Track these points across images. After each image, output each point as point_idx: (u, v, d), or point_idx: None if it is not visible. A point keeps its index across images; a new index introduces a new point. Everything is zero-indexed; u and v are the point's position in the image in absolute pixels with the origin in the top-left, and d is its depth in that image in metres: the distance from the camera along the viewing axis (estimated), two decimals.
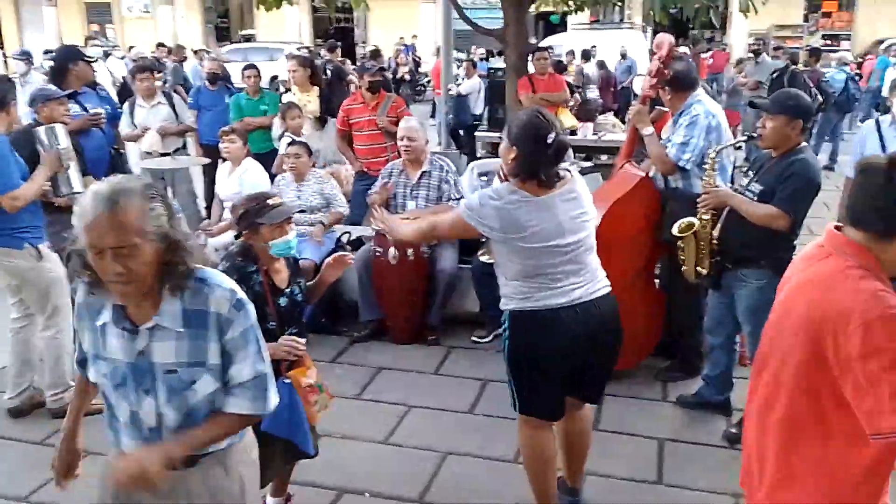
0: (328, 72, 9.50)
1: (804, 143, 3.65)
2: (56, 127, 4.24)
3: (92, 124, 5.41)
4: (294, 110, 6.52)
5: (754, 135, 4.28)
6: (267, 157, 6.28)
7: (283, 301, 2.94)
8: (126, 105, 6.86)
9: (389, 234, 3.39)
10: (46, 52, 13.79)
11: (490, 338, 5.00)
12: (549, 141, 2.71)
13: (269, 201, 2.89)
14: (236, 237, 3.05)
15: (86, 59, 5.75)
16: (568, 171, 2.90)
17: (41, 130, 4.18)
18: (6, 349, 4.19)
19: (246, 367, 1.93)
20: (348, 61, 11.93)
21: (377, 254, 4.92)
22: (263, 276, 2.88)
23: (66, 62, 5.58)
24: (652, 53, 5.03)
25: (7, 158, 3.79)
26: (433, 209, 5.09)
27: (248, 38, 27.01)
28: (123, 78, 11.12)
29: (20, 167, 3.89)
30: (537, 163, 2.74)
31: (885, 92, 10.58)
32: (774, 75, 9.47)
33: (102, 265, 1.72)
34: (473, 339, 5.02)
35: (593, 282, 2.90)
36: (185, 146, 7.05)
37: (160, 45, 16.15)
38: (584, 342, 2.86)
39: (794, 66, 9.45)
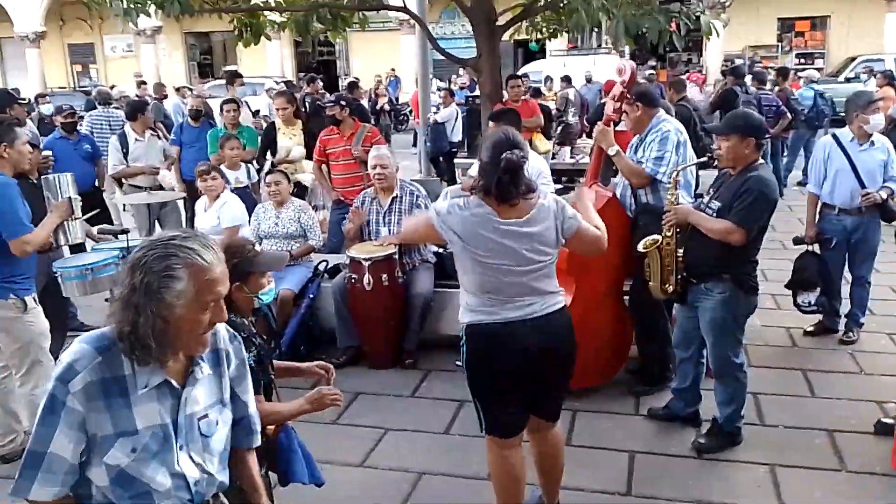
0: (307, 105, 9.68)
1: (760, 161, 3.79)
2: (61, 176, 4.23)
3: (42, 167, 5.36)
4: (232, 141, 6.71)
5: (714, 155, 4.45)
6: (244, 190, 6.40)
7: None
8: (115, 140, 7.01)
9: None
10: None
11: None
12: (500, 158, 2.80)
13: (254, 248, 2.75)
14: None
15: (20, 101, 6.00)
16: (540, 192, 2.96)
17: (49, 179, 4.20)
18: None
19: (249, 399, 2.02)
20: (327, 94, 12.09)
21: (353, 281, 5.00)
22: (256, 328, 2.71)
23: (4, 106, 5.81)
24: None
25: (16, 202, 3.73)
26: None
27: None
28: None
29: (27, 212, 3.82)
30: (490, 179, 2.84)
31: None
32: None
33: (211, 316, 1.73)
34: (457, 363, 5.06)
35: (548, 299, 2.97)
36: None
37: (141, 82, 16.28)
38: (536, 355, 2.94)
39: (733, 86, 9.81)
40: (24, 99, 6.52)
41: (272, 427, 2.74)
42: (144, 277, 1.65)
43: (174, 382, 1.77)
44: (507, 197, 2.84)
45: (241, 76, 10.16)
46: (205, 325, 1.73)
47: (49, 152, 5.65)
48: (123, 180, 7.10)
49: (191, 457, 1.82)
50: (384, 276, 4.95)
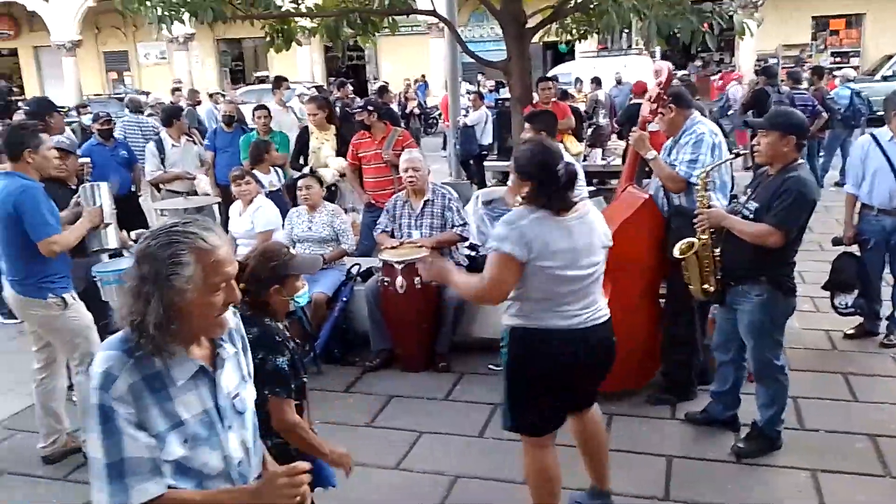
0: (337, 110, 9.73)
1: (800, 161, 3.72)
2: (97, 185, 4.31)
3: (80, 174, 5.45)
4: (272, 145, 6.87)
5: (742, 152, 4.40)
6: (276, 193, 6.46)
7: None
8: (152, 146, 7.14)
9: (439, 280, 3.32)
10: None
11: None
12: (560, 171, 2.87)
13: (289, 251, 2.79)
14: (253, 295, 2.60)
15: (58, 110, 6.15)
16: (581, 197, 3.08)
17: (85, 187, 4.29)
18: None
19: (249, 373, 2.04)
20: (357, 98, 12.15)
21: (385, 284, 5.01)
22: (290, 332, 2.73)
23: (43, 114, 5.90)
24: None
25: (41, 205, 3.82)
26: (438, 236, 5.21)
27: (263, 80, 27.49)
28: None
29: (54, 213, 3.91)
30: (551, 192, 2.90)
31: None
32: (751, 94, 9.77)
33: (223, 297, 1.75)
34: (490, 366, 5.04)
35: (595, 310, 3.04)
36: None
37: (175, 88, 16.50)
38: (577, 364, 3.01)
39: (761, 85, 9.70)
40: (63, 107, 6.71)
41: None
42: (152, 267, 1.68)
43: (207, 367, 1.81)
44: (567, 204, 2.93)
45: (286, 80, 10.24)
46: (219, 307, 1.75)
47: (87, 159, 5.75)
48: (161, 185, 7.23)
49: (238, 434, 1.88)
50: (416, 280, 4.94)
